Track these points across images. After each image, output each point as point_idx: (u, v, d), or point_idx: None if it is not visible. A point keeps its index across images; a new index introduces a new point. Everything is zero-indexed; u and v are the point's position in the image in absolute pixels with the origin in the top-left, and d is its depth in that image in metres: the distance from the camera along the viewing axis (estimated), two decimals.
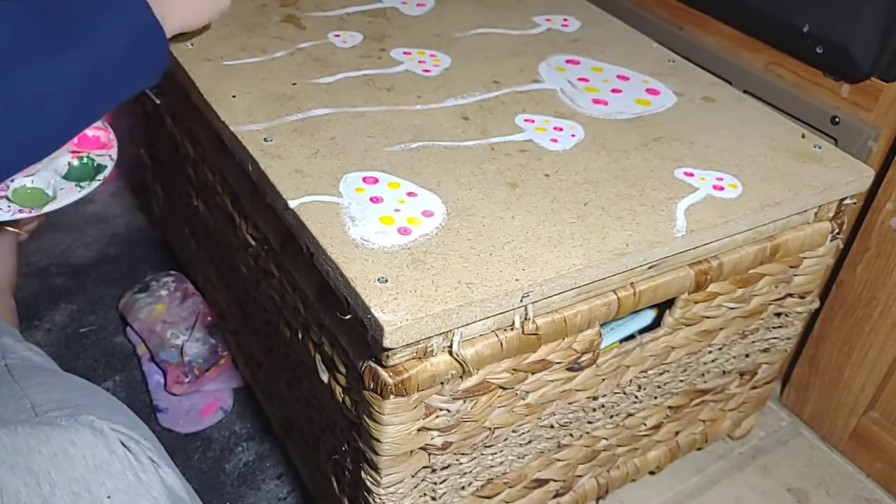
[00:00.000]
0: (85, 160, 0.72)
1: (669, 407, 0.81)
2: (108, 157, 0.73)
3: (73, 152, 0.72)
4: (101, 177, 0.69)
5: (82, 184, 0.68)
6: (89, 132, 0.74)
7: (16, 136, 0.56)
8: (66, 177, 0.71)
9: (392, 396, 0.55)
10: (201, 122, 0.78)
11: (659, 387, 0.76)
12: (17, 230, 0.89)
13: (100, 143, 0.74)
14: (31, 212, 0.65)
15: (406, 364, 0.55)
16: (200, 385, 0.93)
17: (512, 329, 0.58)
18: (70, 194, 0.67)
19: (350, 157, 0.67)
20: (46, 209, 0.65)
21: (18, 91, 0.55)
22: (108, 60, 0.60)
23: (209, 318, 0.98)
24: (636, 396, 0.75)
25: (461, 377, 0.58)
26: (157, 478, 0.55)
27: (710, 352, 0.78)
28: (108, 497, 0.51)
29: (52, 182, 0.69)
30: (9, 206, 0.65)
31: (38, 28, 0.56)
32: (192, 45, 0.81)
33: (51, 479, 0.50)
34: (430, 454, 0.63)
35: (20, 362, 0.66)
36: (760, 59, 0.91)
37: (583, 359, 0.65)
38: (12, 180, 0.68)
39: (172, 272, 1.06)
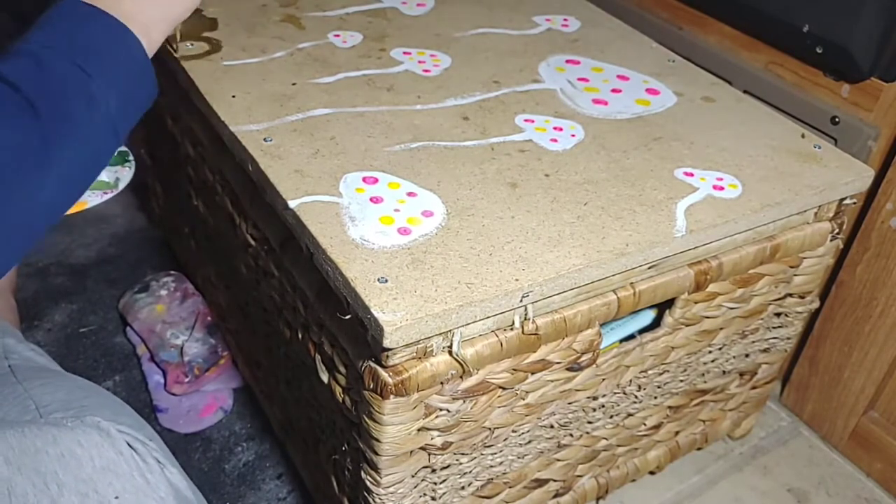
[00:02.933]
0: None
1: (669, 407, 0.81)
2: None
3: None
4: (129, 157, 0.77)
5: (127, 163, 0.77)
6: None
7: (27, 244, 0.50)
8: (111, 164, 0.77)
9: (392, 396, 0.55)
10: (201, 122, 0.78)
11: (659, 387, 0.76)
12: None
13: None
14: (103, 195, 0.76)
15: (406, 364, 0.55)
16: (200, 385, 0.93)
17: (512, 329, 0.58)
18: (125, 173, 0.77)
19: (350, 157, 0.67)
20: (119, 189, 0.77)
21: (24, 215, 0.49)
22: (103, 131, 0.53)
23: (209, 318, 0.98)
24: (636, 396, 0.75)
25: (461, 377, 0.58)
26: (163, 478, 0.55)
27: (710, 352, 0.78)
28: (116, 498, 0.51)
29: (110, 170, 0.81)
30: (92, 193, 0.79)
31: (25, 139, 0.48)
32: (191, 45, 0.81)
33: (58, 480, 0.50)
34: (430, 454, 0.63)
35: (23, 363, 0.66)
36: (760, 59, 0.91)
37: (583, 359, 0.65)
38: None
39: (172, 272, 1.06)
